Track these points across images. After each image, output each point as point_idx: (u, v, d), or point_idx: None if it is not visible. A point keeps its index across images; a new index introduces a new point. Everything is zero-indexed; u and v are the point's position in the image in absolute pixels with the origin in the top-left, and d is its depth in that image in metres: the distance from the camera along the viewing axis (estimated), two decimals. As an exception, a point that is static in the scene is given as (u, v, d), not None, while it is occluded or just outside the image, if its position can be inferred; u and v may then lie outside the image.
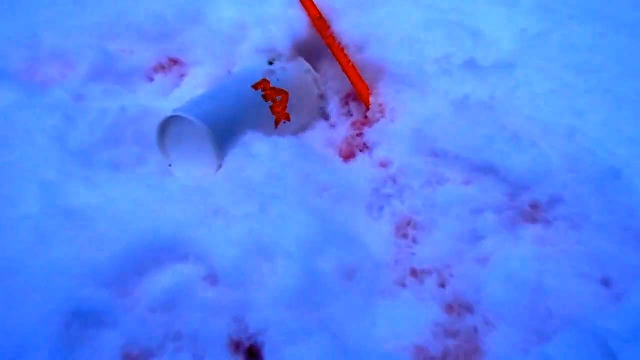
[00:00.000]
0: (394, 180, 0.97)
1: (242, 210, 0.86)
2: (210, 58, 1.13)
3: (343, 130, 1.09)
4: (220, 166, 0.94)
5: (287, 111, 1.05)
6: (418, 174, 0.95)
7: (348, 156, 1.05)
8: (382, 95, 1.06)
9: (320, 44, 1.12)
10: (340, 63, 1.09)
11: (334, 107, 1.13)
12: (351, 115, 1.12)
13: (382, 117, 1.05)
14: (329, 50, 1.11)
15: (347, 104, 1.13)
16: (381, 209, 0.94)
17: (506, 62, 1.02)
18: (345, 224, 0.90)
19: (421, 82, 1.02)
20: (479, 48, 1.05)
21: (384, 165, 1.00)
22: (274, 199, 0.87)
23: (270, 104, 1.02)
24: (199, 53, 1.14)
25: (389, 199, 0.95)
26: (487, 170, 0.90)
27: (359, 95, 1.09)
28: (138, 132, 0.99)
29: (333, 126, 1.11)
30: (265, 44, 1.09)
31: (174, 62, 1.17)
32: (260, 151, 0.95)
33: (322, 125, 1.11)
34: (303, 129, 1.10)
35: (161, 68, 1.16)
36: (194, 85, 1.12)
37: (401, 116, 1.02)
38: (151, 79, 1.15)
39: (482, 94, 0.98)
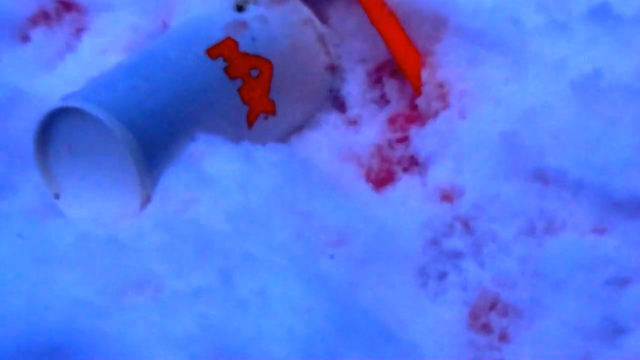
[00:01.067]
0: (466, 225, 0.97)
1: (188, 282, 0.87)
2: (131, -1, 1.16)
3: (372, 131, 1.10)
4: (148, 199, 0.96)
5: (269, 97, 1.05)
6: (510, 214, 0.96)
7: (382, 180, 1.06)
8: (444, 67, 1.07)
9: (331, -27, 1.14)
10: (367, 10, 1.09)
11: (354, 88, 1.14)
12: (387, 103, 1.12)
13: (443, 108, 1.06)
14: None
15: (379, 82, 1.14)
16: (443, 277, 0.96)
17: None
18: (376, 307, 0.90)
19: (515, 44, 1.03)
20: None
21: (447, 197, 1.01)
22: (245, 262, 0.89)
23: (238, 84, 1.03)
24: (109, -11, 1.19)
25: (458, 260, 0.96)
26: (636, 208, 0.92)
27: (401, 68, 1.09)
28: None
29: (353, 123, 1.12)
30: (230, -27, 1.11)
31: (66, 6, 1.17)
32: (221, 172, 0.96)
33: (333, 121, 1.13)
34: (299, 128, 1.11)
35: (43, 17, 1.16)
36: (101, 48, 1.16)
37: (479, 107, 1.03)
38: (25, 38, 1.16)
39: (623, 68, 0.98)
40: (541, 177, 0.96)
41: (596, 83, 0.98)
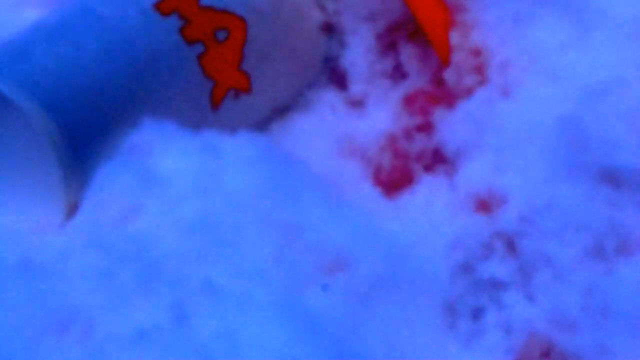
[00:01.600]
0: (511, 245, 0.98)
1: (129, 321, 0.87)
2: None
3: (382, 115, 1.11)
4: (75, 208, 0.96)
5: (241, 68, 1.07)
6: (571, 229, 0.97)
7: (395, 182, 1.07)
8: (481, 28, 1.09)
9: None
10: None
11: (359, 56, 1.14)
12: (403, 76, 1.13)
13: (480, 83, 1.07)
14: None
15: (392, 48, 1.15)
16: (478, 315, 0.96)
17: None
18: (386, 355, 0.91)
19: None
20: None
21: (485, 205, 1.01)
22: (206, 294, 0.89)
23: (199, 50, 1.04)
24: None
25: (499, 291, 0.97)
26: None
27: (422, 29, 1.10)
28: None
29: (357, 104, 1.13)
30: None
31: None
32: (173, 170, 0.96)
33: (329, 101, 1.14)
34: (282, 110, 1.13)
35: None
36: (13, 1, 1.18)
37: (528, 83, 1.04)
38: None
39: None
40: (613, 178, 0.97)
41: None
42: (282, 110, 1.12)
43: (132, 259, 0.91)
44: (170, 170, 0.96)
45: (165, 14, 1.03)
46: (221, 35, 1.05)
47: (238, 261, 0.92)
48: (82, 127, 0.96)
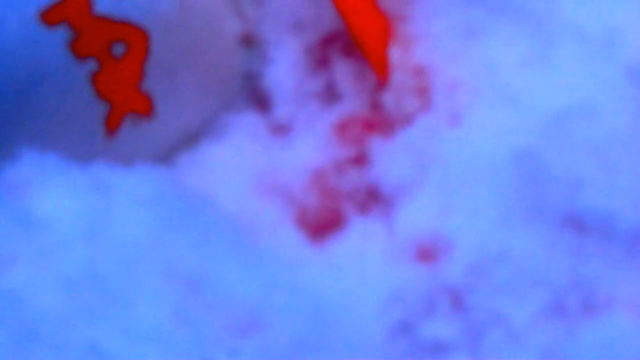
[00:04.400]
0: (458, 301, 1.00)
1: None
2: None
3: (310, 144, 1.13)
4: None
5: (142, 87, 1.07)
6: (527, 283, 0.99)
7: (324, 226, 1.09)
8: (425, 42, 1.10)
9: None
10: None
11: (285, 73, 1.15)
12: (335, 98, 1.14)
13: (423, 108, 1.09)
14: None
15: (324, 64, 1.16)
16: None
17: None
18: None
19: (537, 8, 1.07)
20: None
21: (427, 254, 1.03)
22: (92, 359, 0.90)
23: (91, 68, 1.04)
24: None
25: (443, 355, 0.99)
26: None
27: (358, 43, 1.11)
28: None
29: (282, 131, 1.14)
30: None
31: None
32: (55, 212, 0.97)
33: (249, 126, 1.14)
34: (192, 137, 1.14)
35: None
36: None
37: (480, 108, 1.06)
38: None
39: None
40: (577, 223, 0.99)
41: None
42: (191, 138, 1.12)
43: (6, 317, 0.91)
44: (51, 213, 0.96)
45: (52, 23, 1.03)
46: (118, 49, 1.05)
47: (131, 321, 0.92)
48: None
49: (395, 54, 1.10)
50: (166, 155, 1.09)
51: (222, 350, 0.94)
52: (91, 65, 1.04)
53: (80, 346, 0.90)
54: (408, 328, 0.99)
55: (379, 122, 1.10)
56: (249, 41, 1.15)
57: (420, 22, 1.10)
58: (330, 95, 1.13)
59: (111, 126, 1.05)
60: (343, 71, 1.14)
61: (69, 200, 0.97)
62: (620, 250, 0.97)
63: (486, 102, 1.05)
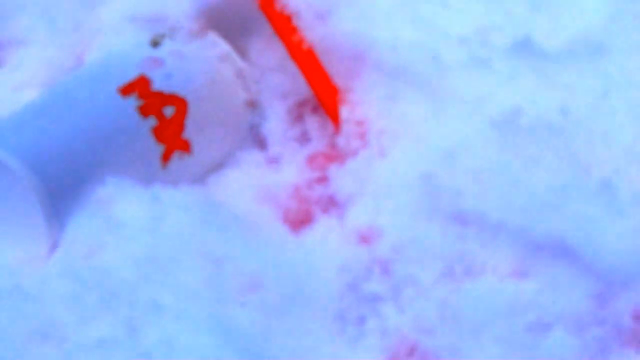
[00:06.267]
0: (385, 269, 0.98)
1: (93, 332, 0.88)
2: (46, 33, 1.17)
3: (291, 170, 1.11)
4: (55, 245, 0.96)
5: (184, 136, 1.06)
6: (429, 257, 0.97)
7: (300, 221, 1.06)
8: (363, 104, 1.08)
9: (250, 8, 1.14)
10: (286, 45, 1.11)
11: (275, 124, 1.14)
12: (307, 140, 1.13)
13: (362, 146, 1.07)
14: (267, 20, 1.13)
15: (300, 118, 1.15)
16: (361, 323, 0.95)
17: (591, 44, 1.05)
18: (290, 356, 0.91)
19: (434, 81, 1.05)
20: (540, 17, 1.07)
21: (366, 239, 1.01)
22: (152, 311, 0.90)
23: (152, 124, 1.04)
24: (24, 23, 1.19)
25: (376, 304, 0.96)
26: (557, 251, 0.93)
27: (321, 104, 1.11)
28: None
29: (274, 162, 1.13)
30: (146, 7, 1.12)
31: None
32: (129, 216, 0.97)
33: (253, 159, 1.12)
34: (218, 166, 1.11)
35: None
36: (16, 84, 1.15)
37: (398, 146, 1.04)
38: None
39: (546, 105, 1.00)
40: (461, 218, 0.97)
41: (517, 120, 0.99)
42: (217, 166, 1.10)
43: (96, 284, 0.92)
44: (126, 216, 0.96)
45: (127, 95, 1.03)
46: (169, 111, 1.05)
47: (177, 285, 0.93)
48: (59, 185, 0.96)
49: (344, 112, 1.08)
50: (201, 178, 1.08)
51: (236, 303, 0.93)
52: (152, 121, 1.04)
53: (145, 303, 0.90)
54: (354, 287, 0.97)
55: (335, 155, 1.09)
56: (253, 104, 1.14)
57: (360, 92, 1.08)
58: (304, 138, 1.13)
59: (165, 160, 1.04)
60: (312, 123, 1.13)
61: (138, 209, 0.97)
62: (489, 235, 0.96)
63: (401, 143, 1.04)
